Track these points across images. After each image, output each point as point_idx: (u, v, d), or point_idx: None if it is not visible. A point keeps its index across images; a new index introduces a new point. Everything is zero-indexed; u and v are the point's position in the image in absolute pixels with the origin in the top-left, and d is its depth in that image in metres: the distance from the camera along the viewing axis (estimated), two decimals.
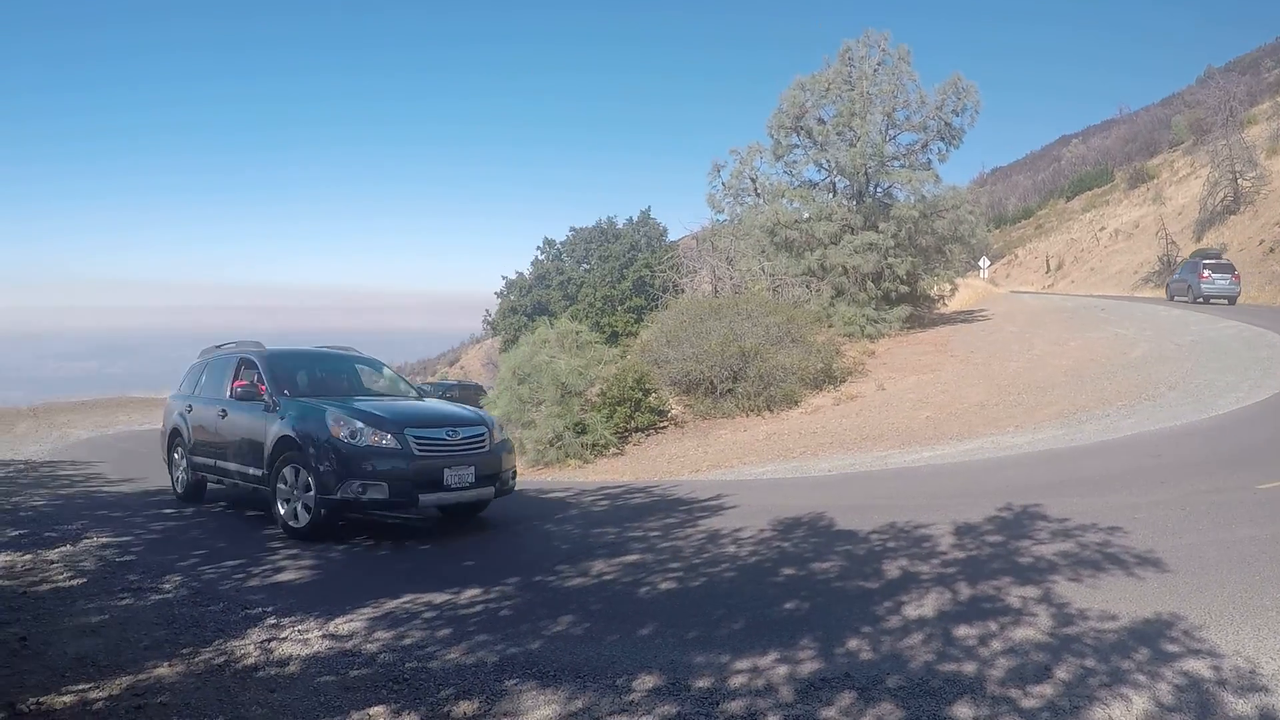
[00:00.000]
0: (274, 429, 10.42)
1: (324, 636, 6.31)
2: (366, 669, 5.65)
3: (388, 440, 9.72)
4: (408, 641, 6.20)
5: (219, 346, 13.43)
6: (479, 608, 7.06)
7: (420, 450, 9.80)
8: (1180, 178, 78.45)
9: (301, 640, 6.20)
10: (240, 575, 8.14)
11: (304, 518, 9.87)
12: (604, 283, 53.67)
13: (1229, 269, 39.89)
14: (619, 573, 8.24)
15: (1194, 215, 63.22)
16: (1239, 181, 58.92)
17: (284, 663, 5.75)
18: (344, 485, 9.48)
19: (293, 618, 6.72)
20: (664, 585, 7.73)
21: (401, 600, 7.24)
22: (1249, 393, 18.03)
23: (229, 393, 11.64)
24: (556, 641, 6.20)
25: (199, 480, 12.68)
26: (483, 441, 10.42)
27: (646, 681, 5.36)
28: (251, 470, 10.95)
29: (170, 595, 7.34)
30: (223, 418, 11.77)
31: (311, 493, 9.69)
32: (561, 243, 59.29)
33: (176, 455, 13.07)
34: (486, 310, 63.64)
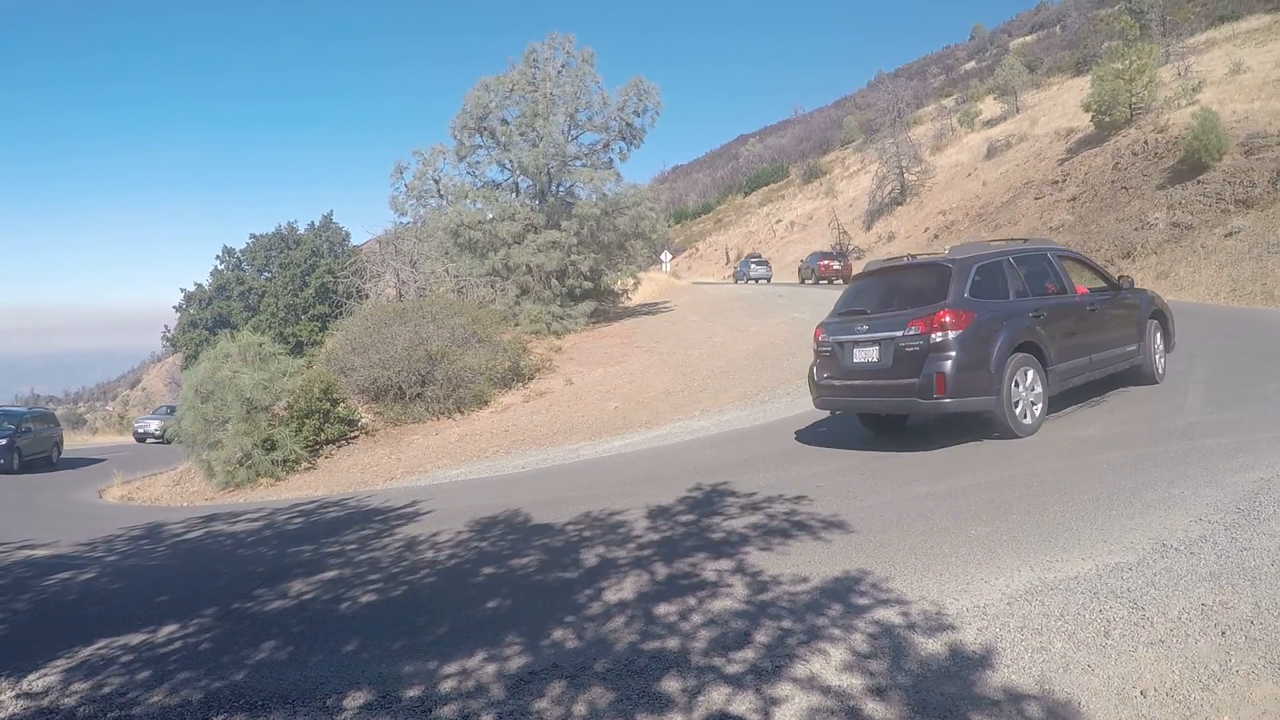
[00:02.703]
0: None
1: (18, 696, 6.01)
2: None
3: None
4: (107, 689, 5.99)
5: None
6: (178, 644, 6.89)
7: None
8: (851, 173, 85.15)
9: None
10: None
11: None
12: (286, 291, 51.89)
13: (765, 262, 61.45)
14: (319, 590, 8.20)
15: (864, 206, 69.09)
16: (905, 176, 64.81)
17: None
18: None
19: None
20: (365, 598, 7.76)
21: (96, 646, 6.95)
22: None
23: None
24: (261, 669, 6.14)
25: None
26: None
27: (357, 698, 5.43)
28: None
29: None
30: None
31: None
32: (241, 251, 56.83)
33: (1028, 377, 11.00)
34: (166, 326, 60.19)
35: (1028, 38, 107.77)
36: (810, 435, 13.82)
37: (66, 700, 5.89)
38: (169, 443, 33.91)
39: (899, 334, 10.82)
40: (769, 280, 57.10)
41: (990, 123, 71.00)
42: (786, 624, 5.85)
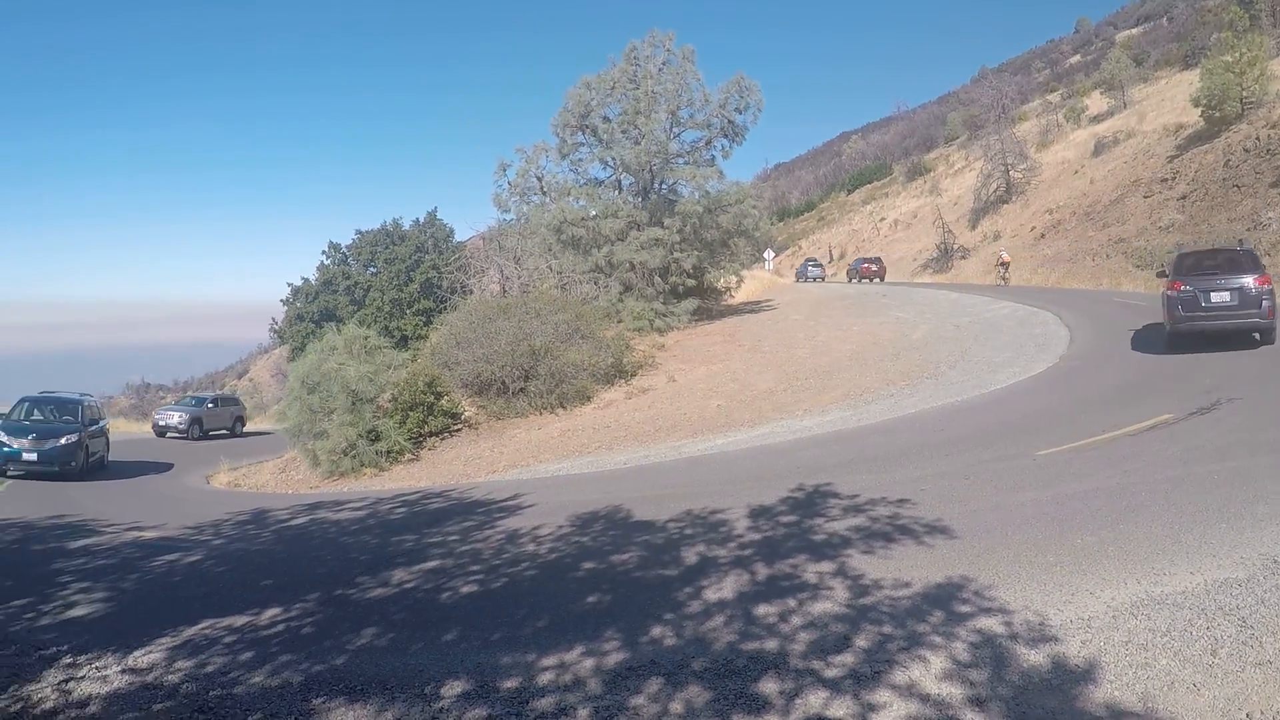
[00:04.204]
0: None
1: (123, 671, 6.07)
2: (170, 701, 5.48)
3: None
4: (210, 669, 6.03)
5: None
6: (280, 627, 6.93)
7: None
8: (955, 170, 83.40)
9: (100, 678, 5.95)
10: (30, 615, 7.69)
11: None
12: (391, 286, 52.70)
13: (820, 264, 68.88)
14: (420, 580, 8.21)
15: (969, 205, 67.56)
16: (1011, 173, 63.37)
17: (84, 703, 5.51)
18: None
19: (89, 655, 6.42)
20: (466, 589, 7.75)
21: (200, 626, 7.02)
22: (1025, 367, 19.35)
23: None
24: (361, 655, 6.15)
25: None
26: None
27: (454, 687, 5.38)
28: None
29: None
30: None
31: None
32: (347, 246, 57.81)
33: None
34: (273, 318, 61.61)
35: (1134, 30, 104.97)
36: (908, 437, 13.63)
37: (170, 677, 5.94)
38: (196, 439, 34.80)
39: (1245, 285, 17.95)
40: (822, 280, 64.09)
41: (1097, 118, 69.05)
42: (887, 629, 5.74)
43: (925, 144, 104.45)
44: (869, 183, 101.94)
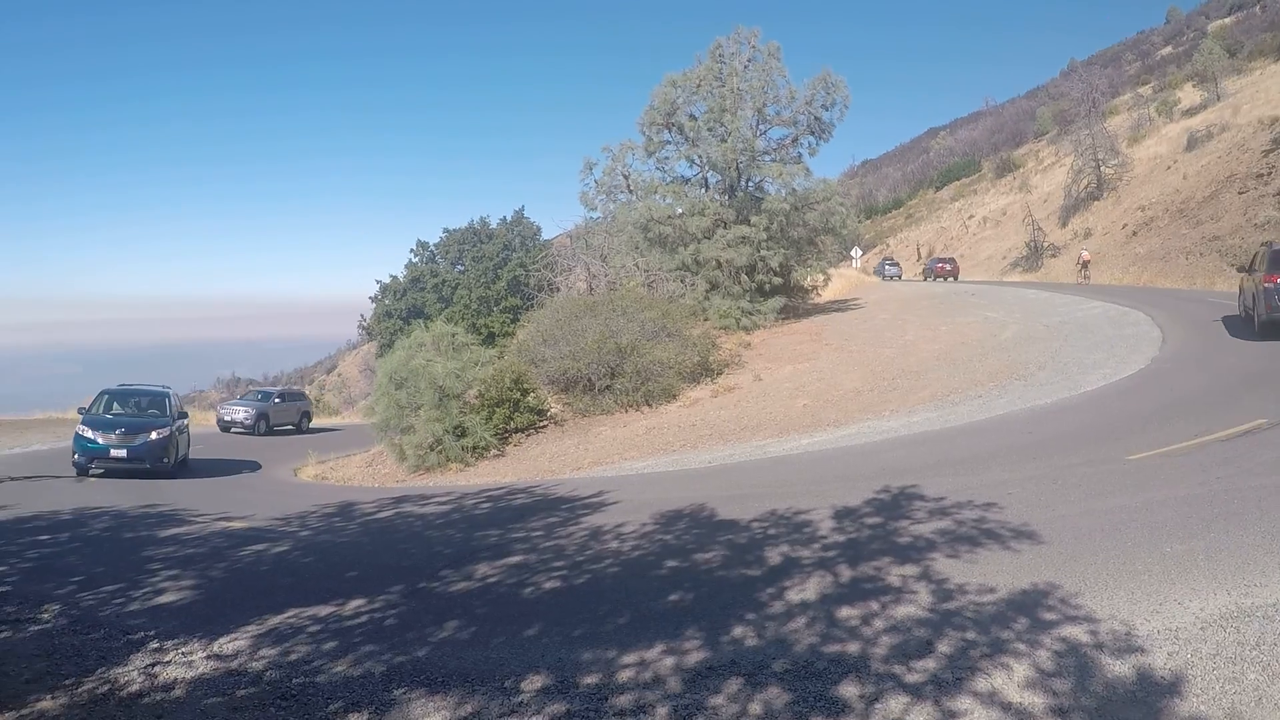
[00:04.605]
0: None
1: (208, 657, 6.16)
2: (253, 688, 5.54)
3: None
4: (294, 657, 6.10)
5: None
6: (364, 618, 6.99)
7: None
8: (1045, 166, 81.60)
9: (186, 663, 6.04)
10: (120, 600, 7.86)
11: None
12: (479, 284, 53.29)
13: (897, 264, 70.84)
14: (503, 574, 8.23)
15: (1059, 202, 65.92)
16: (1102, 169, 61.67)
17: (169, 687, 5.59)
18: None
19: (176, 640, 6.53)
20: (548, 584, 7.76)
21: (285, 615, 7.11)
22: (1116, 368, 18.83)
23: None
24: (443, 647, 6.17)
25: None
26: None
27: (535, 681, 5.38)
28: None
29: (49, 625, 7.04)
30: None
31: None
32: (434, 244, 58.65)
33: None
34: (361, 315, 62.78)
35: (1226, 20, 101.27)
36: (996, 439, 13.41)
37: (254, 664, 6.01)
38: (261, 434, 34.81)
39: None
40: (899, 278, 66.44)
41: (1189, 112, 66.76)
42: (970, 635, 5.63)
43: (1014, 139, 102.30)
44: (957, 179, 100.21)
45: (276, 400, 38.46)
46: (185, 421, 22.95)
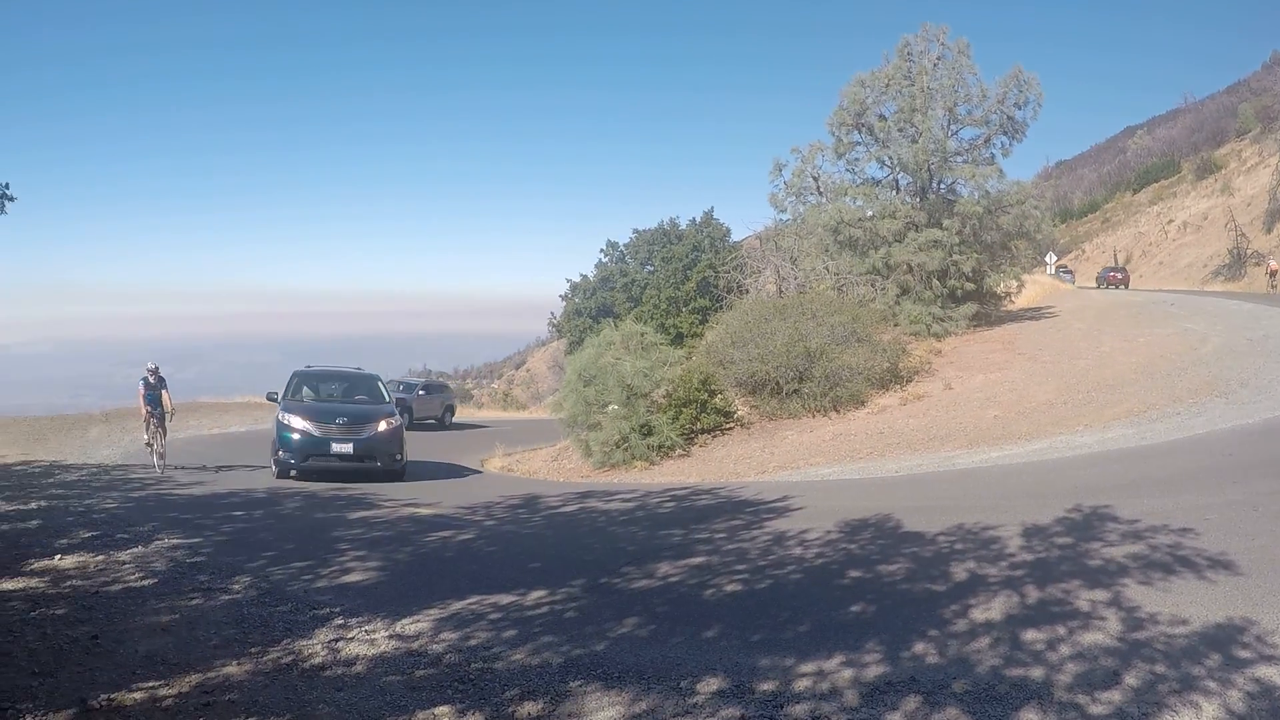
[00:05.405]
0: None
1: (390, 637, 6.35)
2: (432, 669, 5.68)
3: None
4: (473, 642, 6.22)
5: None
6: (544, 609, 7.08)
7: None
8: (1249, 167, 76.02)
9: (368, 640, 6.24)
10: (308, 576, 8.21)
11: None
12: (668, 284, 53.53)
13: (1071, 271, 70.40)
14: (684, 574, 8.23)
15: (1264, 205, 61.38)
16: None
17: (350, 662, 5.79)
18: None
19: (360, 618, 6.77)
20: (729, 587, 7.71)
21: (467, 601, 7.26)
22: None
23: None
24: (621, 643, 6.19)
25: None
26: None
27: (711, 684, 5.33)
28: None
29: (239, 596, 7.42)
30: None
31: None
32: (624, 244, 59.20)
33: None
34: (551, 313, 63.86)
35: None
36: (1195, 460, 12.76)
37: (434, 646, 6.16)
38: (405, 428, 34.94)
39: None
40: (1073, 284, 63.90)
41: None
42: (1159, 668, 5.33)
43: (1215, 138, 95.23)
44: (1155, 181, 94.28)
45: (421, 393, 36.92)
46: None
